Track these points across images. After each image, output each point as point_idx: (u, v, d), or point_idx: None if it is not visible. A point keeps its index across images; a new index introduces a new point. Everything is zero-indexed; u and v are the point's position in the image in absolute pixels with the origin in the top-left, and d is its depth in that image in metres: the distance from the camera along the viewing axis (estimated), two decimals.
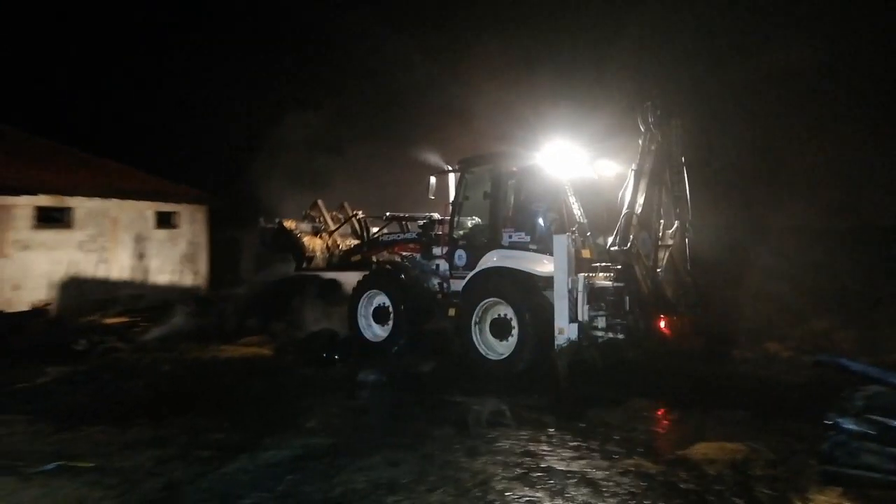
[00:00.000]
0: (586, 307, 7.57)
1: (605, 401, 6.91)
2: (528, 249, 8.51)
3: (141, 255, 15.39)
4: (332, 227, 11.35)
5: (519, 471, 4.89)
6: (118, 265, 14.78)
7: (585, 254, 8.35)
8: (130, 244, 15.16)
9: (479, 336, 8.59)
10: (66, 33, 26.08)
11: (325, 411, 6.56)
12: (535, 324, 7.92)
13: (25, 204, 12.79)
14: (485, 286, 8.56)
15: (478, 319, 8.58)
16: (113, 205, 14.70)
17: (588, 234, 8.44)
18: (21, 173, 13.33)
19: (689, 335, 8.16)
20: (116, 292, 13.97)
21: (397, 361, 8.99)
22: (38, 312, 11.88)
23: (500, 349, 8.42)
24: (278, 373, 8.56)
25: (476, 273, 8.73)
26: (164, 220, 16.19)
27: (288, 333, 10.77)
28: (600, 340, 7.77)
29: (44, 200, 13.15)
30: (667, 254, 8.44)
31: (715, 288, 9.13)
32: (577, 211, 8.54)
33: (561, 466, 5.00)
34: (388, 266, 10.24)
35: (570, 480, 4.71)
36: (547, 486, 4.61)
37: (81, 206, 13.95)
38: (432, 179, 9.65)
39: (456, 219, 9.49)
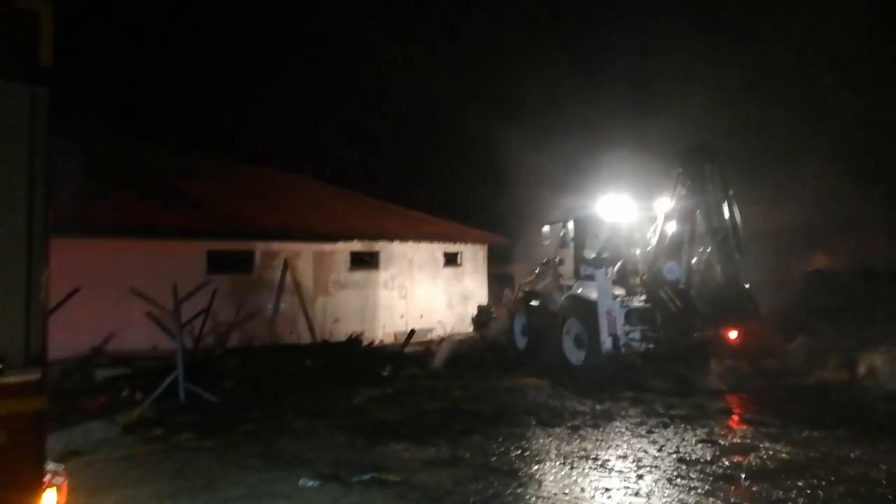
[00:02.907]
0: (622, 324, 9.98)
1: None
2: (600, 279, 10.53)
3: (432, 292, 16.95)
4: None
5: None
6: (414, 300, 16.44)
7: (638, 280, 10.79)
8: (423, 281, 16.79)
9: (568, 345, 10.99)
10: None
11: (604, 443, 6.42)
12: (594, 337, 10.18)
13: (342, 249, 14.99)
14: (567, 308, 11.20)
15: (566, 332, 11.01)
16: (409, 247, 16.47)
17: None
18: (338, 223, 15.68)
19: (760, 338, 9.57)
20: (412, 324, 15.49)
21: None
22: (352, 342, 13.70)
23: (579, 355, 10.68)
24: (550, 402, 8.63)
25: (564, 298, 11.37)
26: (451, 259, 17.66)
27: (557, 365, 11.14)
28: (641, 350, 9.92)
29: (356, 246, 15.27)
30: (700, 277, 10.30)
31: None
32: (643, 246, 10.98)
33: None
34: (524, 296, 13.11)
35: None
36: None
37: (385, 249, 15.89)
38: (545, 228, 12.52)
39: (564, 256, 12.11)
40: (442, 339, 14.82)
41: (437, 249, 17.30)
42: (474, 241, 18.28)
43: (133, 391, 9.06)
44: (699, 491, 5.07)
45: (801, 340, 10.06)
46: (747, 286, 10.14)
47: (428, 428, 7.33)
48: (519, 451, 6.29)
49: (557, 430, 7.08)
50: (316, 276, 14.44)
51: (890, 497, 4.80)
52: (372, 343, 14.03)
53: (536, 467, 5.78)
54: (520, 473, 5.62)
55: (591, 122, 17.43)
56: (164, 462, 6.29)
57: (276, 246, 13.68)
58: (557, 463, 5.89)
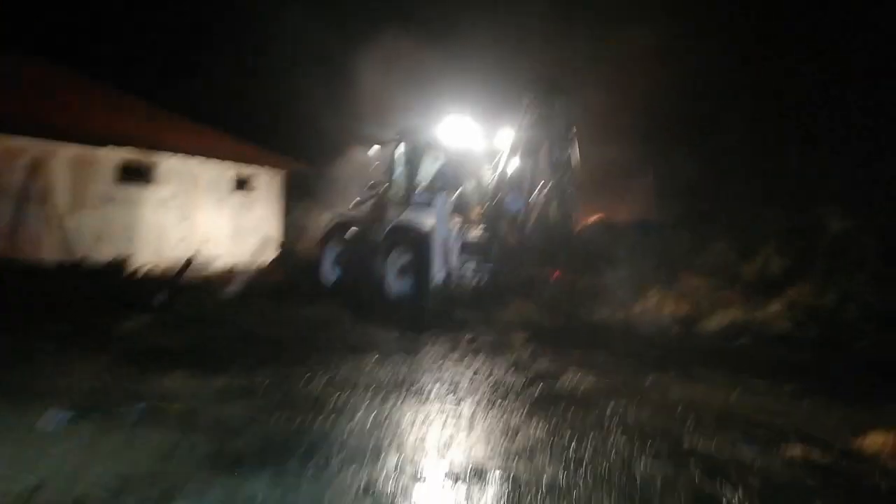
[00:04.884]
0: (456, 255, 9.45)
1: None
2: (429, 207, 9.83)
3: (218, 216, 15.26)
4: None
5: None
6: (196, 225, 14.65)
7: (477, 211, 10.30)
8: (209, 205, 15.01)
9: (391, 277, 10.10)
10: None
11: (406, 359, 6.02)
12: (424, 269, 9.45)
13: (111, 156, 12.69)
14: (394, 237, 10.16)
15: (391, 263, 10.10)
16: (193, 164, 14.54)
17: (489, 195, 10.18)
18: (106, 125, 13.27)
19: (574, 277, 9.76)
20: (194, 250, 13.79)
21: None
22: (117, 265, 11.77)
23: (403, 288, 9.90)
24: (358, 331, 8.06)
25: (391, 226, 10.30)
26: (243, 183, 16.01)
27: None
28: (473, 283, 9.62)
29: (128, 154, 13.02)
30: (538, 212, 10.06)
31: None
32: (487, 175, 10.47)
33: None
34: (338, 225, 11.61)
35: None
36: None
37: (164, 162, 13.81)
38: (373, 149, 11.25)
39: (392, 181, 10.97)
40: (230, 270, 13.44)
41: (228, 170, 15.54)
42: (272, 164, 16.74)
43: None
44: (521, 414, 4.85)
45: (586, 281, 10.64)
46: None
47: (216, 356, 6.32)
48: (325, 381, 5.60)
49: (367, 357, 6.49)
50: (74, 185, 12.07)
51: (692, 417, 4.98)
52: (141, 269, 12.21)
53: (347, 396, 5.15)
54: (329, 403, 4.94)
55: (432, 37, 16.13)
56: None
57: (20, 142, 11.12)
58: (370, 391, 5.32)
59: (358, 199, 11.60)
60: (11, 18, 20.67)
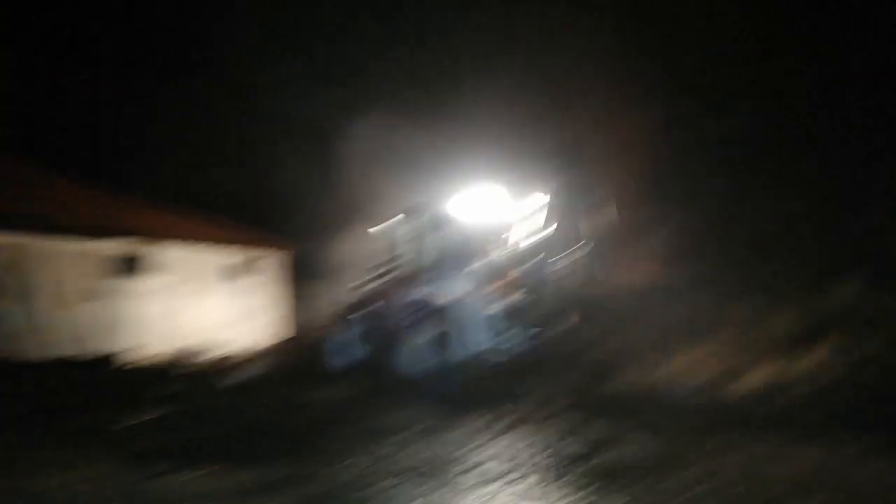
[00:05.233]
0: (489, 325, 8.80)
1: None
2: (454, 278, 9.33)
3: (219, 304, 14.64)
4: None
5: None
6: (201, 311, 14.01)
7: (509, 278, 9.52)
8: (209, 293, 14.44)
9: (418, 353, 9.33)
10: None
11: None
12: (456, 342, 8.76)
13: (101, 249, 12.22)
14: (422, 310, 9.48)
15: (418, 338, 9.37)
16: (197, 251, 14.10)
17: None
18: (108, 217, 12.86)
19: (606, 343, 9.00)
20: (200, 338, 13.12)
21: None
22: (104, 360, 11.10)
23: (434, 363, 9.04)
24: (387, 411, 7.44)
25: (414, 300, 9.72)
26: (244, 267, 15.48)
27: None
28: (507, 351, 8.91)
29: (121, 246, 12.56)
30: (574, 277, 9.49)
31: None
32: (516, 242, 9.89)
33: None
34: (357, 303, 11.09)
35: None
36: None
37: (158, 252, 13.33)
38: (398, 218, 10.72)
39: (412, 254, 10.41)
40: (235, 358, 12.73)
41: (228, 256, 15.05)
42: (274, 246, 16.24)
43: None
44: (594, 486, 4.24)
45: (619, 343, 10.18)
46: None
47: (230, 451, 5.63)
48: (359, 469, 4.94)
49: (402, 437, 5.86)
50: (62, 279, 11.51)
51: (775, 482, 4.42)
52: (141, 362, 11.52)
53: (395, 481, 4.50)
54: (370, 494, 4.30)
55: (447, 104, 15.51)
56: None
57: (2, 238, 10.61)
58: (418, 472, 4.68)
59: (372, 275, 11.00)
60: None
